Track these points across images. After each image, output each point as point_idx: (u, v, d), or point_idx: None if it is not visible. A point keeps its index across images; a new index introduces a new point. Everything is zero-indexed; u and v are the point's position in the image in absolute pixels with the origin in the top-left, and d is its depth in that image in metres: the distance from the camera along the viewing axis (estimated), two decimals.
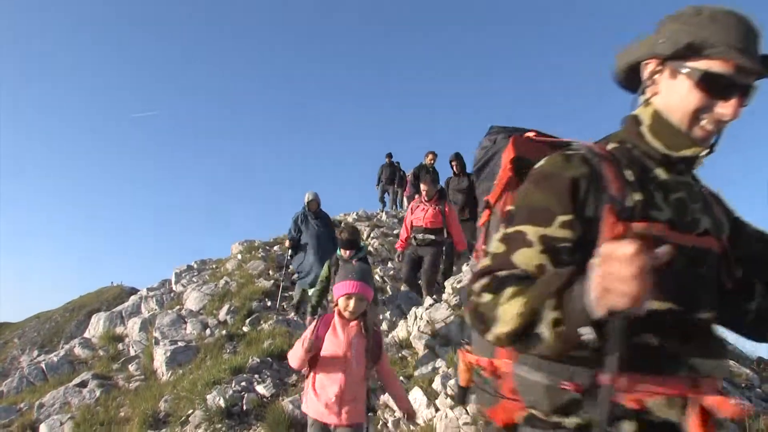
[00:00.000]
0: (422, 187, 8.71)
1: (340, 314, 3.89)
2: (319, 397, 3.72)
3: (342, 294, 3.85)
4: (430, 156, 12.67)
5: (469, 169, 10.88)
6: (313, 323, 3.97)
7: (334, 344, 3.80)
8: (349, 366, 3.75)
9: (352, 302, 3.81)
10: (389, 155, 18.39)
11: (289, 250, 10.05)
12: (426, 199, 8.60)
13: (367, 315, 3.94)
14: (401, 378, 6.20)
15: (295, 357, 3.84)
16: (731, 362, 5.28)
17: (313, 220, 9.48)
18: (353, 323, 3.87)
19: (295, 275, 10.32)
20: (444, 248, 8.84)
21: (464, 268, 9.12)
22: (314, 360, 3.81)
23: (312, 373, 3.85)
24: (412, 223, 8.68)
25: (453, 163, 10.56)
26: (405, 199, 20.82)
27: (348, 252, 6.79)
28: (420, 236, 8.52)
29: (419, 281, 9.02)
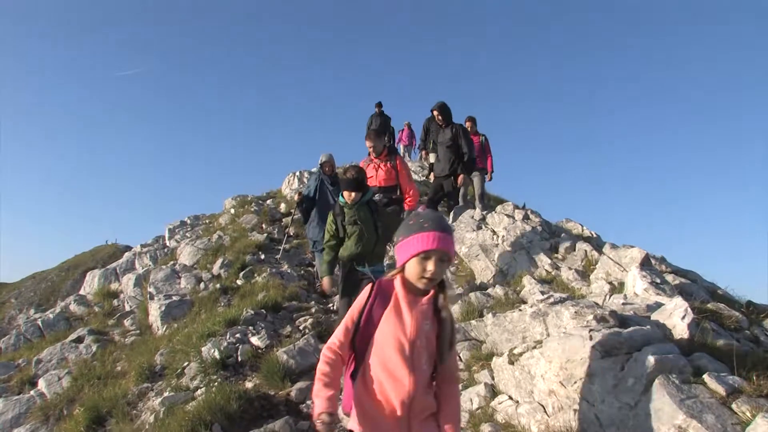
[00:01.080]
0: (367, 143, 7.86)
1: (406, 285, 2.61)
2: (379, 407, 2.57)
3: (416, 252, 2.50)
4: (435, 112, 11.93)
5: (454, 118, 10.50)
6: (365, 293, 2.69)
7: (397, 330, 2.56)
8: (417, 363, 2.55)
9: (431, 264, 2.48)
10: (379, 104, 17.13)
11: (298, 207, 9.16)
12: (374, 156, 7.82)
13: (446, 286, 2.64)
14: None
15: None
16: (721, 305, 5.32)
17: (329, 185, 8.52)
18: (424, 299, 2.59)
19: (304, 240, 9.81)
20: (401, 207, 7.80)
21: (466, 216, 9.10)
22: (363, 349, 2.65)
23: (360, 370, 2.66)
24: None
25: (434, 113, 9.71)
26: (403, 150, 20.62)
27: (353, 194, 5.64)
28: (375, 197, 7.41)
29: None
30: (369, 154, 7.93)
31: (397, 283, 2.63)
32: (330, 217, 5.88)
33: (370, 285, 2.70)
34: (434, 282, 2.54)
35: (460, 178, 9.01)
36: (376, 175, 7.71)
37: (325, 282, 5.98)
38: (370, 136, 7.85)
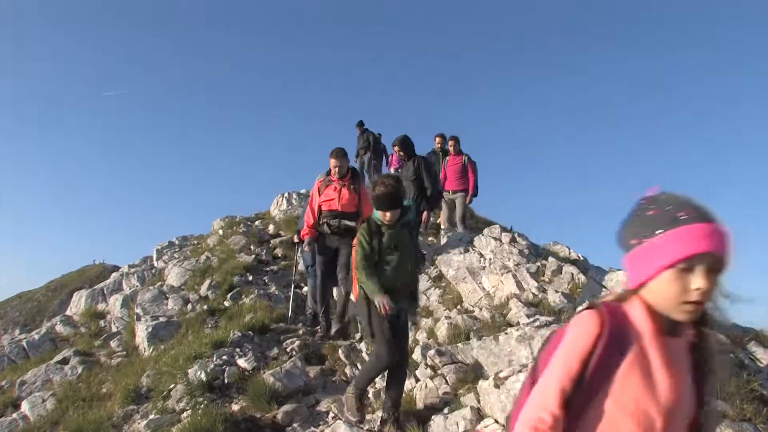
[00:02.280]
0: (332, 162, 7.10)
1: (653, 316, 1.58)
2: None
3: (675, 260, 1.50)
4: (438, 139, 11.49)
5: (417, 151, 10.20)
6: (588, 329, 1.57)
7: (644, 397, 1.53)
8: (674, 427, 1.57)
9: (700, 277, 1.50)
10: (359, 123, 16.74)
11: (300, 245, 8.21)
12: (337, 176, 7.11)
13: (707, 313, 1.62)
14: None
15: None
16: None
17: None
18: (683, 340, 1.64)
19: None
20: None
21: (443, 239, 9.14)
22: (576, 420, 1.60)
23: None
24: (320, 206, 7.16)
25: (395, 148, 9.30)
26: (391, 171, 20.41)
27: (389, 214, 4.62)
28: (334, 222, 7.04)
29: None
30: (329, 173, 7.25)
31: (640, 315, 1.58)
32: (364, 234, 4.72)
33: (594, 316, 1.58)
34: (702, 308, 1.55)
35: (424, 215, 8.63)
36: (338, 198, 7.07)
37: (386, 300, 4.51)
38: (337, 155, 7.11)
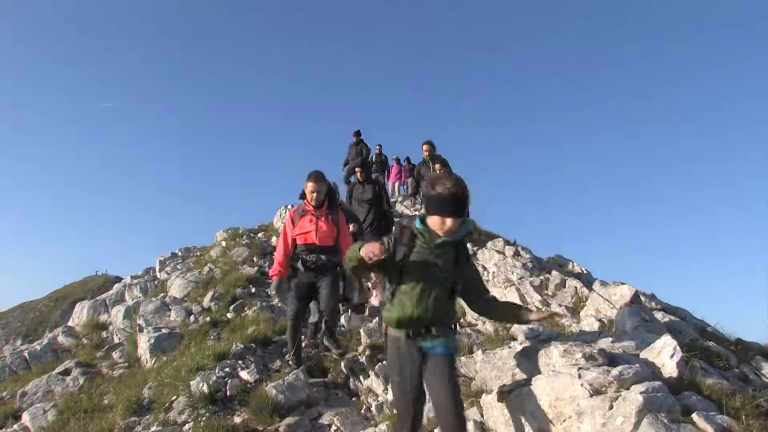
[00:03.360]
0: (309, 187, 6.38)
1: None
2: None
3: None
4: (425, 146, 10.87)
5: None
6: None
7: None
8: None
9: None
10: (356, 133, 16.19)
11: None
12: (315, 205, 6.41)
13: None
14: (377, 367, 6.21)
15: None
16: (710, 343, 5.34)
17: None
18: None
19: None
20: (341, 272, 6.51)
21: None
22: None
23: None
24: (295, 240, 6.48)
25: (356, 170, 9.57)
26: (394, 188, 20.34)
27: (449, 222, 3.46)
28: (311, 258, 6.34)
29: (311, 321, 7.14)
30: (303, 199, 6.59)
31: None
32: (389, 238, 3.66)
33: None
34: None
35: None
36: (315, 231, 6.38)
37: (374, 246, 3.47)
38: (316, 178, 6.39)
